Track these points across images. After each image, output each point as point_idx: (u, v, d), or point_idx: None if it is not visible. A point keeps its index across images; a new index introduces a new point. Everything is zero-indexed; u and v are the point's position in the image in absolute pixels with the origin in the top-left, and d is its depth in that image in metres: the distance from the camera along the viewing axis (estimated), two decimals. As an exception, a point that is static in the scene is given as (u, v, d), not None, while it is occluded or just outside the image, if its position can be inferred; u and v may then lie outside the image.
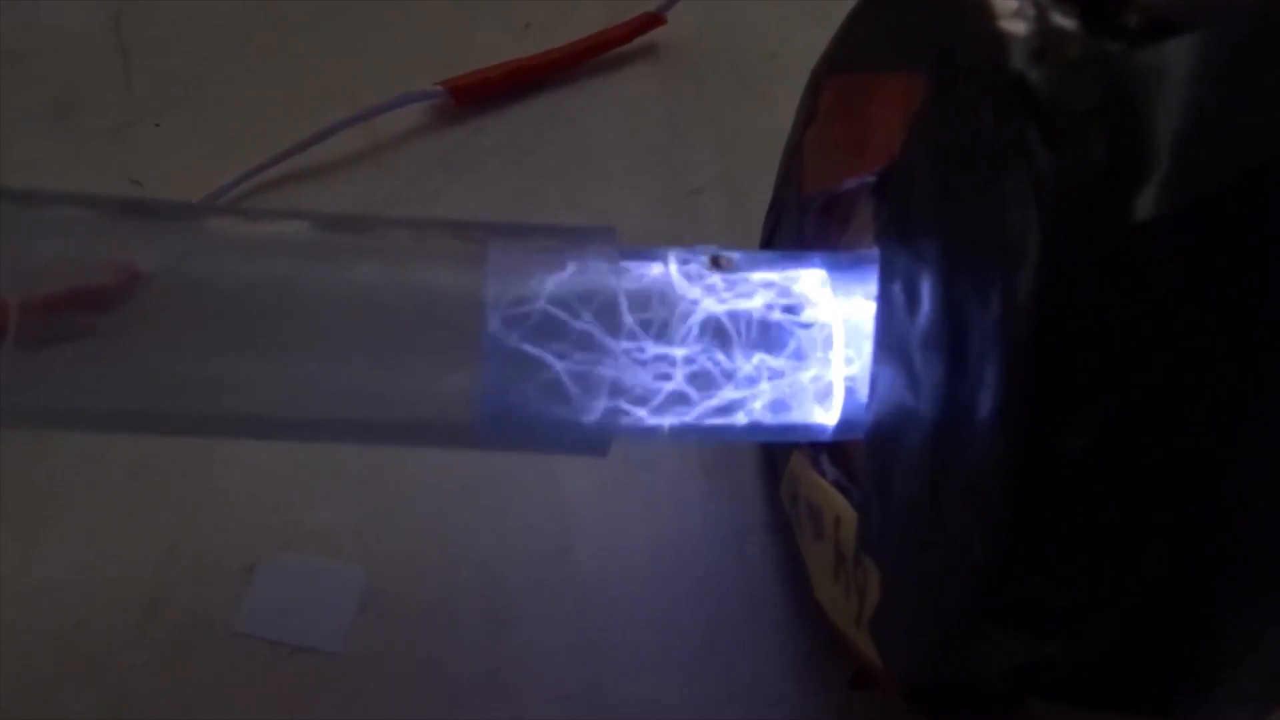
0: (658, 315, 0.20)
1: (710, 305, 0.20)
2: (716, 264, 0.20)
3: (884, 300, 0.19)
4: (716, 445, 0.28)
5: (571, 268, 0.19)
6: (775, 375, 0.20)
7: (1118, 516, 0.16)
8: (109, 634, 0.26)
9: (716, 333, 0.20)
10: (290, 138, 0.33)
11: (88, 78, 0.35)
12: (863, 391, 0.20)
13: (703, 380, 0.20)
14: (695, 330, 0.20)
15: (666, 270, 0.20)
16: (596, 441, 0.20)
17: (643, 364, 0.20)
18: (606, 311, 0.19)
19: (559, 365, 0.19)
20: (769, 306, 0.20)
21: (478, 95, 0.34)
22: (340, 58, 0.36)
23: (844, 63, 0.24)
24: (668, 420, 0.20)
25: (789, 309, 0.20)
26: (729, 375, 0.20)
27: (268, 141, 0.33)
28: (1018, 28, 0.16)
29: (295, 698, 0.25)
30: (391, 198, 0.33)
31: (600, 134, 0.34)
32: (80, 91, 0.35)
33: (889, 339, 0.19)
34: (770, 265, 0.21)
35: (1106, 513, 0.16)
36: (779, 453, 0.26)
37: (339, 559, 0.27)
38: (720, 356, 0.20)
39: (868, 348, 0.20)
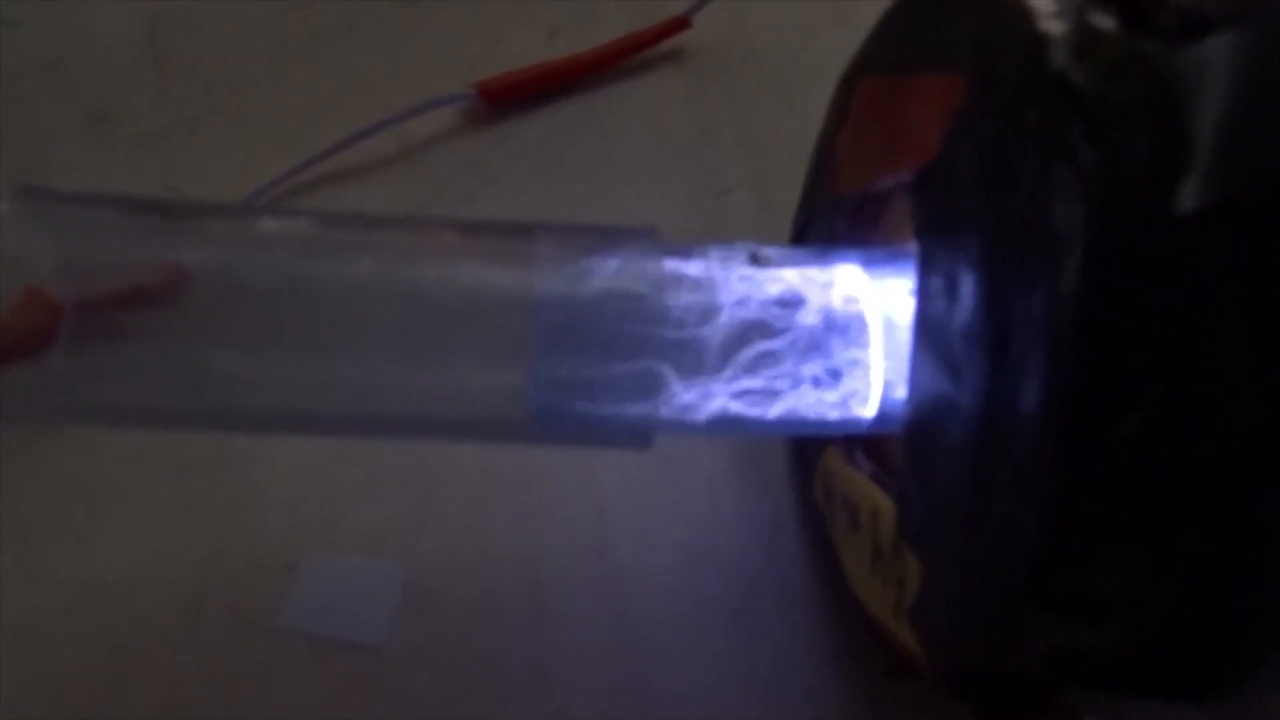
0: (700, 310, 0.20)
1: (750, 300, 0.20)
2: (755, 260, 0.21)
3: (923, 294, 0.20)
4: (752, 438, 0.29)
5: (617, 265, 0.20)
6: (814, 368, 0.20)
7: (1164, 504, 0.16)
8: (156, 632, 0.26)
9: (757, 327, 0.20)
10: (322, 142, 0.33)
11: (123, 85, 0.35)
12: (900, 385, 0.21)
13: (744, 373, 0.20)
14: (736, 325, 0.20)
15: (708, 266, 0.20)
16: (641, 434, 0.20)
17: (685, 357, 0.20)
18: (650, 307, 0.20)
19: (605, 360, 0.20)
20: (807, 301, 0.21)
21: (509, 97, 0.34)
22: (369, 63, 0.36)
23: (876, 65, 0.24)
24: (708, 411, 0.21)
25: (826, 303, 0.21)
26: (769, 368, 0.20)
27: (301, 146, 0.33)
28: (1057, 28, 0.16)
29: (339, 692, 0.26)
30: (424, 200, 0.33)
31: (628, 136, 0.35)
32: (116, 99, 0.35)
33: (928, 332, 0.20)
34: (807, 261, 0.21)
35: (1153, 500, 0.16)
36: (811, 448, 0.27)
37: (380, 556, 0.27)
38: (761, 350, 0.20)
39: (905, 341, 0.20)
